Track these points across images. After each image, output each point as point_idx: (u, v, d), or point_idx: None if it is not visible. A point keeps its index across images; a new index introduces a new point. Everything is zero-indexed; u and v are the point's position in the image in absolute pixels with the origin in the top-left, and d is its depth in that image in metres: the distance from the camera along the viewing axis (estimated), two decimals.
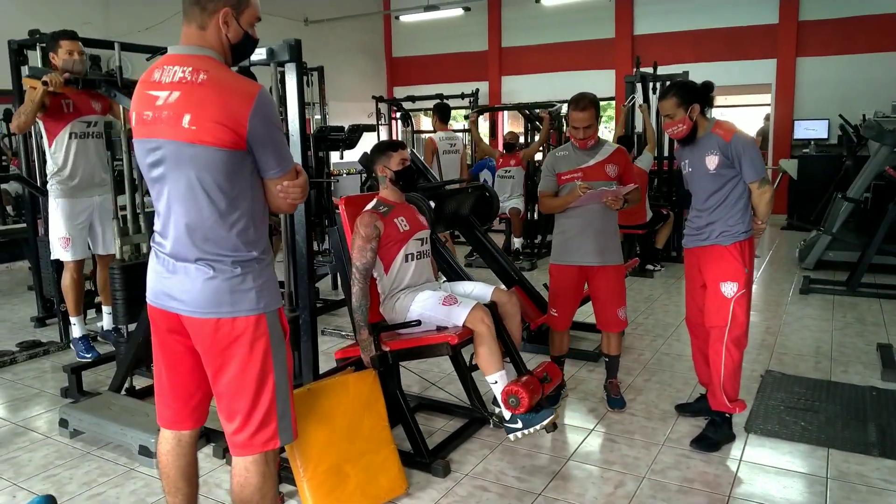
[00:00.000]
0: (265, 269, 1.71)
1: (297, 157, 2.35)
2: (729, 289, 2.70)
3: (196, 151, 1.57)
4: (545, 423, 2.42)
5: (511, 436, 2.50)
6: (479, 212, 4.99)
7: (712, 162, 2.67)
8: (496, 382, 2.51)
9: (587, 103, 2.94)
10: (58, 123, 3.62)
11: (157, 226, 1.72)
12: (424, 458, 2.60)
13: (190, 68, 1.59)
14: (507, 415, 2.50)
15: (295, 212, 2.42)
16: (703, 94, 2.70)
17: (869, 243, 5.33)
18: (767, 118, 9.98)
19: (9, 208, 7.70)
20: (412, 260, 2.79)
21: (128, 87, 3.19)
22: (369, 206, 2.79)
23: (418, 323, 2.53)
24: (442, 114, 6.33)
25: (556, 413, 2.46)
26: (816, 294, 5.29)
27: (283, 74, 2.35)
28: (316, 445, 2.27)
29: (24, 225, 5.51)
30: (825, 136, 9.18)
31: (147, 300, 1.76)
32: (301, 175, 1.73)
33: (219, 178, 1.60)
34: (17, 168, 7.59)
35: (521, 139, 8.14)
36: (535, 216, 7.38)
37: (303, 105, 2.39)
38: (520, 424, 2.46)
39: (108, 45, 3.60)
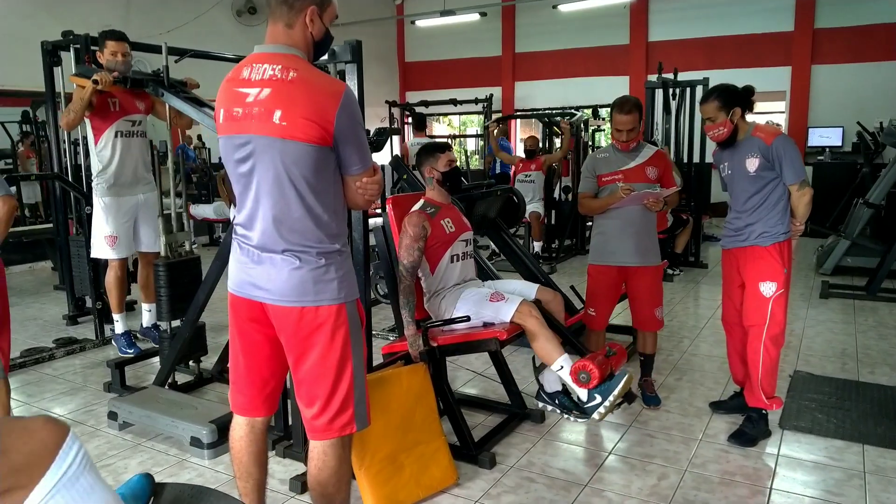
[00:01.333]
0: (346, 261, 1.79)
1: None
2: (768, 288, 2.77)
3: (286, 146, 1.66)
4: (622, 384, 2.41)
5: (595, 414, 2.47)
6: (506, 214, 5.09)
7: (752, 164, 2.75)
8: (562, 367, 2.51)
9: (631, 106, 3.02)
10: (104, 122, 3.71)
11: (240, 219, 1.80)
12: (471, 451, 2.67)
13: (280, 66, 1.67)
14: (583, 395, 2.48)
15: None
16: (744, 98, 2.78)
17: (890, 248, 5.39)
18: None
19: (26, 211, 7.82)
20: (458, 261, 2.87)
21: (174, 87, 3.28)
22: (417, 207, 2.87)
23: (468, 318, 2.61)
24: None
25: (631, 375, 2.48)
26: (836, 299, 5.36)
27: (342, 74, 2.43)
28: (373, 435, 2.34)
29: (50, 225, 5.59)
30: (839, 143, 9.26)
31: (229, 290, 1.84)
32: (378, 173, 1.81)
33: (306, 172, 1.68)
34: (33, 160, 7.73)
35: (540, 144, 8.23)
36: (555, 220, 7.47)
37: (362, 105, 2.47)
38: (598, 399, 2.44)
39: (134, 45, 3.70)
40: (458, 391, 3.47)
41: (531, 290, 2.83)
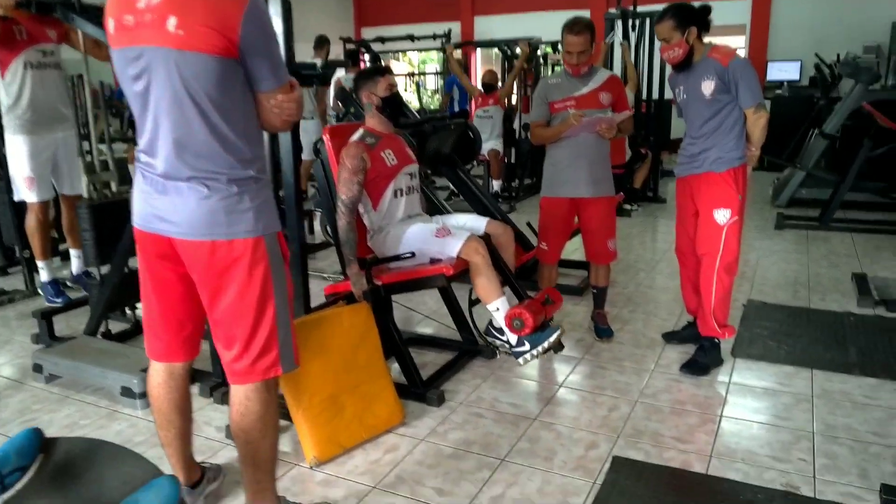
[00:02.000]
0: (262, 189, 1.61)
1: None
2: (722, 216, 2.69)
3: (183, 58, 1.44)
4: (552, 339, 2.38)
5: (520, 359, 2.45)
6: (461, 150, 4.90)
7: (708, 87, 2.61)
8: (498, 309, 2.46)
9: (582, 27, 2.83)
10: (11, 52, 3.35)
11: (141, 144, 1.60)
12: (419, 389, 2.59)
13: None
14: (513, 339, 2.45)
15: (281, 139, 2.30)
16: (700, 17, 2.62)
17: (842, 179, 5.41)
18: None
19: None
20: (402, 195, 2.70)
21: (87, 12, 2.94)
22: (355, 137, 2.67)
23: (412, 255, 2.46)
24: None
25: (563, 330, 2.44)
26: (790, 230, 5.39)
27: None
28: (311, 377, 2.22)
29: None
30: (797, 77, 9.23)
31: (133, 224, 1.65)
32: (296, 89, 1.61)
33: (208, 88, 1.47)
34: None
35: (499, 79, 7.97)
36: (514, 159, 7.30)
37: (290, 35, 2.22)
38: (527, 346, 2.41)
39: None
40: (408, 331, 3.37)
41: (480, 223, 2.69)
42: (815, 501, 1.94)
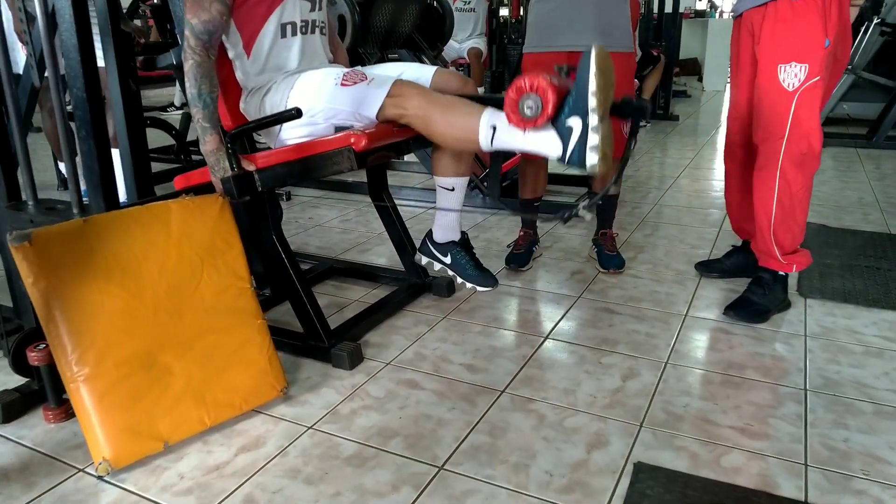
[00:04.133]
0: None
1: None
2: (792, 74, 1.69)
3: None
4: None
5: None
6: (426, 30, 3.81)
7: None
8: (494, 128, 1.40)
9: None
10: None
11: None
12: (320, 341, 1.62)
13: None
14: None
15: None
16: None
17: None
18: None
19: None
20: (293, 34, 1.64)
21: None
22: None
23: (297, 113, 1.42)
24: None
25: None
26: (833, 147, 4.38)
27: None
28: (102, 321, 1.25)
29: None
30: None
31: None
32: None
33: None
34: None
35: None
36: (501, 66, 6.15)
37: None
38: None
39: None
40: (324, 256, 2.39)
41: (426, 72, 1.66)
42: None
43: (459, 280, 1.79)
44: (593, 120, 1.30)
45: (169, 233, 1.36)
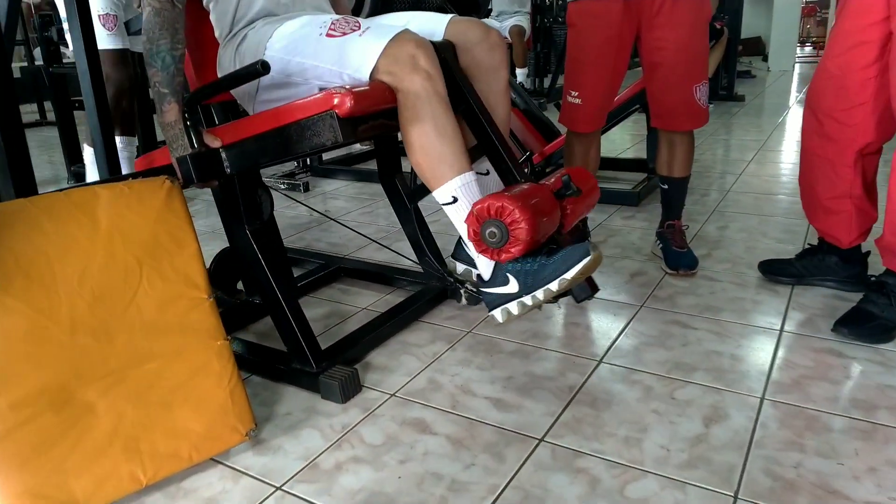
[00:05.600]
0: None
1: None
2: None
3: None
4: (576, 269, 1.03)
5: (495, 313, 1.14)
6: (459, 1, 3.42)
7: None
8: (455, 200, 1.12)
9: None
10: None
11: None
12: (308, 364, 1.27)
13: None
14: (485, 270, 1.14)
15: None
16: None
17: None
18: None
19: None
20: None
21: None
22: None
23: (262, 68, 1.06)
24: None
25: (599, 253, 1.06)
26: None
27: None
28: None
29: None
30: None
31: None
32: None
33: None
34: None
35: None
36: (544, 45, 5.71)
37: None
38: (512, 285, 1.10)
39: None
40: (325, 252, 2.05)
41: (439, 21, 1.28)
42: None
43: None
44: (533, 300, 1.08)
45: (95, 227, 1.03)
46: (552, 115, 3.07)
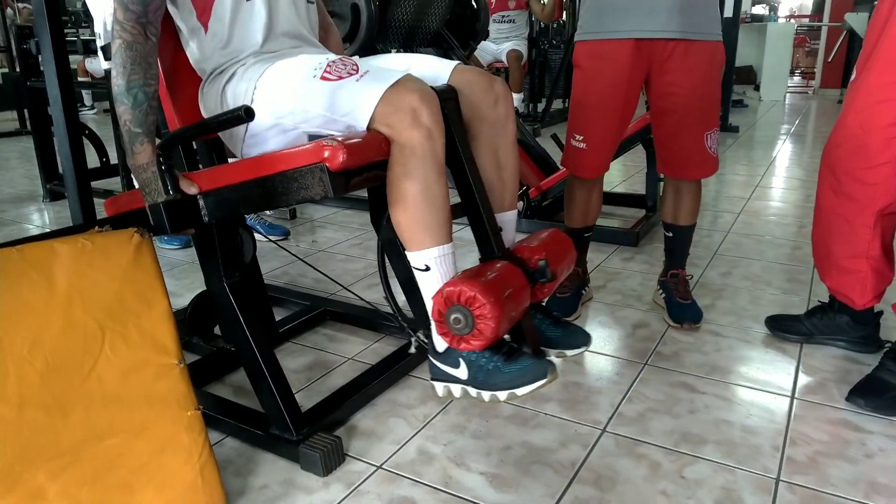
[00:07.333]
0: None
1: None
2: None
3: None
4: (526, 391, 1.00)
5: (439, 386, 1.09)
6: (456, 25, 3.37)
7: None
8: (427, 269, 1.04)
9: None
10: None
11: None
12: (287, 431, 1.17)
13: None
14: (439, 343, 1.08)
15: None
16: None
17: None
18: None
19: None
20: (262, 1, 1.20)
21: None
22: None
23: (246, 114, 0.96)
24: None
25: (556, 375, 1.01)
26: None
27: None
28: None
29: None
30: None
31: None
32: None
33: None
34: None
35: None
36: (540, 70, 5.67)
37: None
38: (463, 373, 1.05)
39: None
40: (336, 297, 1.95)
41: (444, 67, 1.19)
42: None
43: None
44: (478, 397, 1.04)
45: (52, 288, 0.93)
46: (545, 142, 3.01)
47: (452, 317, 0.98)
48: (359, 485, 1.11)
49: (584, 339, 1.18)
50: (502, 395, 1.01)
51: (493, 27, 5.15)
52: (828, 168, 1.45)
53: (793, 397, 1.38)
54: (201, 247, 1.19)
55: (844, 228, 1.43)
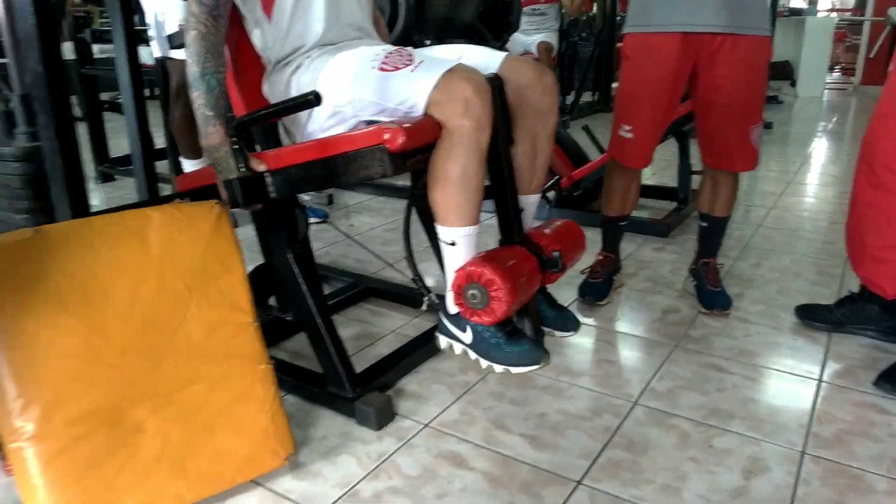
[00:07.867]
0: None
1: None
2: None
3: None
4: (519, 371, 1.13)
5: (443, 340, 1.23)
6: (489, 18, 3.43)
7: None
8: (454, 244, 1.14)
9: None
10: None
11: None
12: (343, 389, 1.28)
13: None
14: (451, 306, 1.19)
15: None
16: None
17: None
18: None
19: None
20: None
21: None
22: None
23: (315, 99, 1.07)
24: None
25: (547, 362, 1.12)
26: None
27: None
28: (52, 365, 0.94)
29: None
30: None
31: None
32: None
33: None
34: None
35: None
36: (569, 63, 5.70)
37: None
38: (468, 337, 1.17)
39: None
40: (354, 270, 2.05)
41: (493, 57, 1.28)
42: None
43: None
44: (476, 359, 1.16)
45: (147, 251, 1.04)
46: (575, 133, 3.06)
47: (470, 292, 1.08)
48: (409, 439, 1.22)
49: (574, 325, 1.29)
50: (498, 368, 1.13)
51: (523, 19, 5.18)
52: (865, 160, 1.50)
53: (820, 381, 1.44)
54: (266, 222, 1.29)
55: (880, 219, 1.48)
